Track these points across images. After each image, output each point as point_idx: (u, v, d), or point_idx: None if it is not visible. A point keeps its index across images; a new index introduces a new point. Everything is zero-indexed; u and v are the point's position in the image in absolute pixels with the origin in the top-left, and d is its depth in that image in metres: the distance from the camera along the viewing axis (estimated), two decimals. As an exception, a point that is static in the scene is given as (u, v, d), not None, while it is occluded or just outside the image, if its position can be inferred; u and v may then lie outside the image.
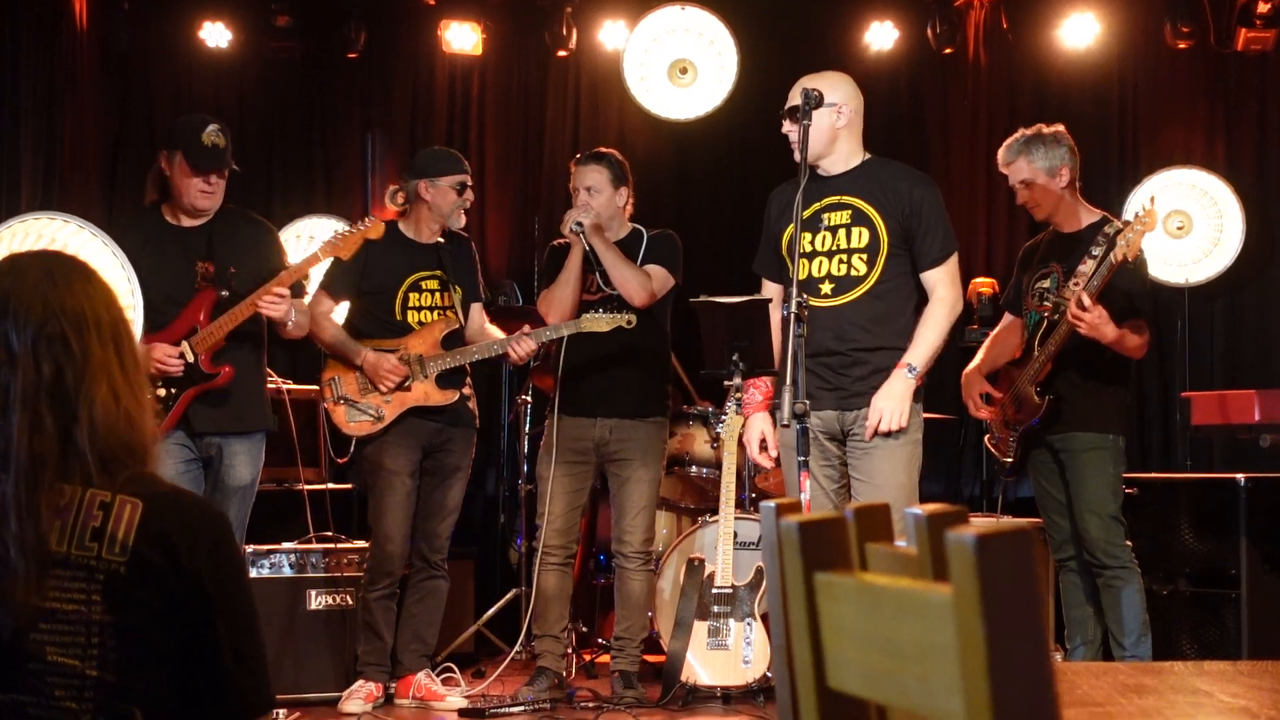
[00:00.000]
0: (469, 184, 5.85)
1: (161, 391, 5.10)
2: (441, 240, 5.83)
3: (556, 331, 5.69)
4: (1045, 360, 5.26)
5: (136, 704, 1.88)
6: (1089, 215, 5.40)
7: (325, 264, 5.65)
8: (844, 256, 4.77)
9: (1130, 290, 5.22)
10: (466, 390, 5.85)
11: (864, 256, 4.75)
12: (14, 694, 1.86)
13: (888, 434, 4.67)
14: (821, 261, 4.78)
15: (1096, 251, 5.12)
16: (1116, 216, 5.66)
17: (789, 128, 4.73)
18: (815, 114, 4.64)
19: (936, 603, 1.07)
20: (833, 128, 4.76)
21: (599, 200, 5.81)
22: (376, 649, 5.72)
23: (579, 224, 5.69)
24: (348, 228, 5.53)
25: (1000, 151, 5.47)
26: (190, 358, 5.13)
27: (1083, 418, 5.30)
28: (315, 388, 6.38)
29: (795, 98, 4.66)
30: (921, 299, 4.90)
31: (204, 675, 1.92)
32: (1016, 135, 5.45)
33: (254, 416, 5.31)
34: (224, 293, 5.20)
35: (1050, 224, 5.50)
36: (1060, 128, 5.43)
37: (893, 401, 4.65)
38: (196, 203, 5.19)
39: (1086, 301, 5.02)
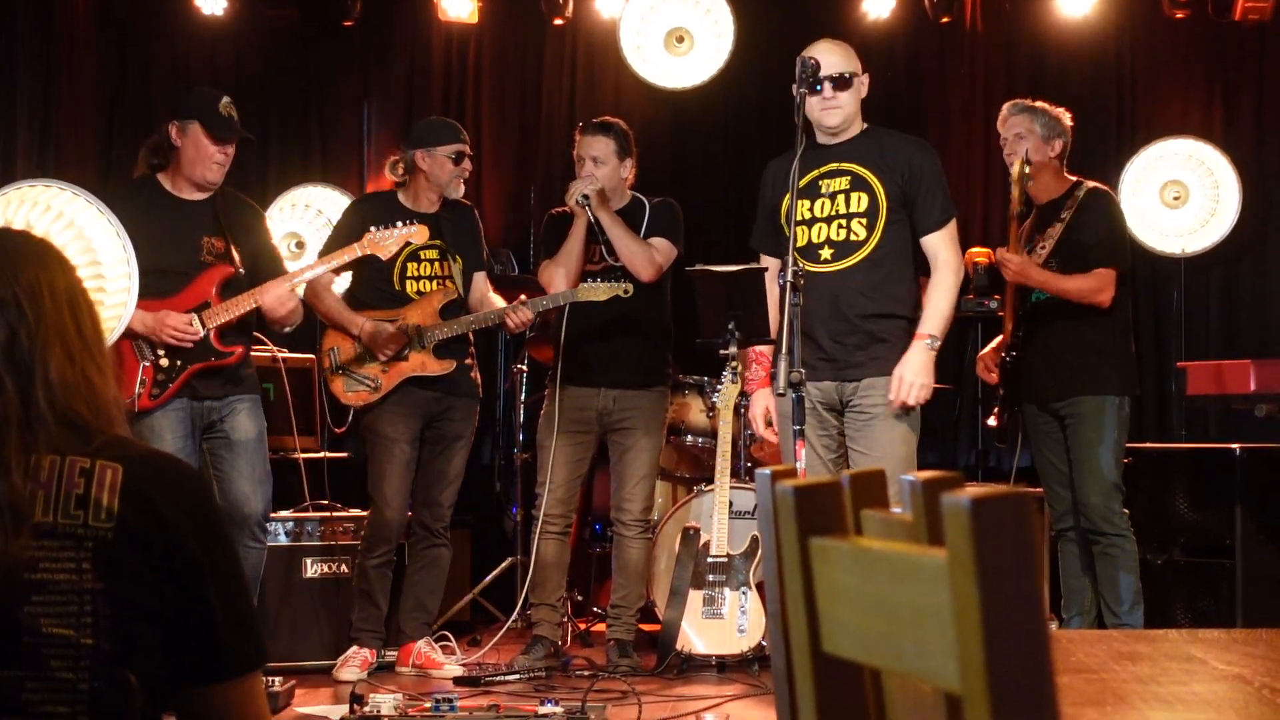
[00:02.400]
0: (467, 153, 5.83)
1: (165, 362, 5.09)
2: (440, 210, 5.82)
3: (554, 301, 5.68)
4: (1006, 320, 5.49)
5: (131, 668, 1.88)
6: (1064, 184, 5.53)
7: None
8: (843, 222, 4.78)
9: (1086, 240, 5.35)
10: (468, 360, 5.84)
11: (863, 221, 4.77)
12: (11, 670, 1.87)
13: (906, 410, 4.69)
14: (821, 228, 4.80)
15: (1065, 215, 5.26)
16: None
17: (829, 94, 4.76)
18: (853, 85, 4.81)
19: (932, 566, 1.07)
20: (859, 99, 4.85)
21: (604, 171, 5.78)
22: (372, 615, 5.72)
23: (585, 196, 5.67)
24: (394, 229, 5.45)
25: (1005, 106, 5.56)
26: (201, 332, 5.12)
27: (1084, 382, 5.34)
28: (311, 356, 6.39)
29: (834, 66, 4.75)
30: (919, 268, 4.90)
31: (196, 634, 1.93)
32: (1027, 101, 5.55)
33: (250, 381, 5.33)
34: (240, 270, 5.19)
35: (1029, 198, 5.57)
36: (1064, 112, 5.54)
37: (917, 375, 4.67)
38: (209, 175, 5.18)
39: (1005, 252, 5.33)
